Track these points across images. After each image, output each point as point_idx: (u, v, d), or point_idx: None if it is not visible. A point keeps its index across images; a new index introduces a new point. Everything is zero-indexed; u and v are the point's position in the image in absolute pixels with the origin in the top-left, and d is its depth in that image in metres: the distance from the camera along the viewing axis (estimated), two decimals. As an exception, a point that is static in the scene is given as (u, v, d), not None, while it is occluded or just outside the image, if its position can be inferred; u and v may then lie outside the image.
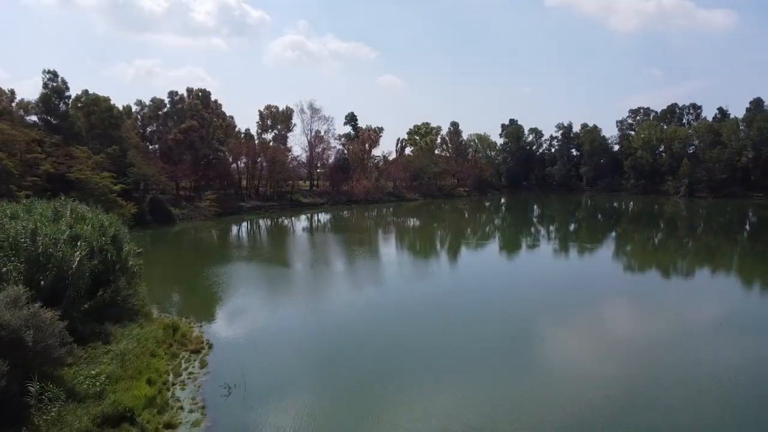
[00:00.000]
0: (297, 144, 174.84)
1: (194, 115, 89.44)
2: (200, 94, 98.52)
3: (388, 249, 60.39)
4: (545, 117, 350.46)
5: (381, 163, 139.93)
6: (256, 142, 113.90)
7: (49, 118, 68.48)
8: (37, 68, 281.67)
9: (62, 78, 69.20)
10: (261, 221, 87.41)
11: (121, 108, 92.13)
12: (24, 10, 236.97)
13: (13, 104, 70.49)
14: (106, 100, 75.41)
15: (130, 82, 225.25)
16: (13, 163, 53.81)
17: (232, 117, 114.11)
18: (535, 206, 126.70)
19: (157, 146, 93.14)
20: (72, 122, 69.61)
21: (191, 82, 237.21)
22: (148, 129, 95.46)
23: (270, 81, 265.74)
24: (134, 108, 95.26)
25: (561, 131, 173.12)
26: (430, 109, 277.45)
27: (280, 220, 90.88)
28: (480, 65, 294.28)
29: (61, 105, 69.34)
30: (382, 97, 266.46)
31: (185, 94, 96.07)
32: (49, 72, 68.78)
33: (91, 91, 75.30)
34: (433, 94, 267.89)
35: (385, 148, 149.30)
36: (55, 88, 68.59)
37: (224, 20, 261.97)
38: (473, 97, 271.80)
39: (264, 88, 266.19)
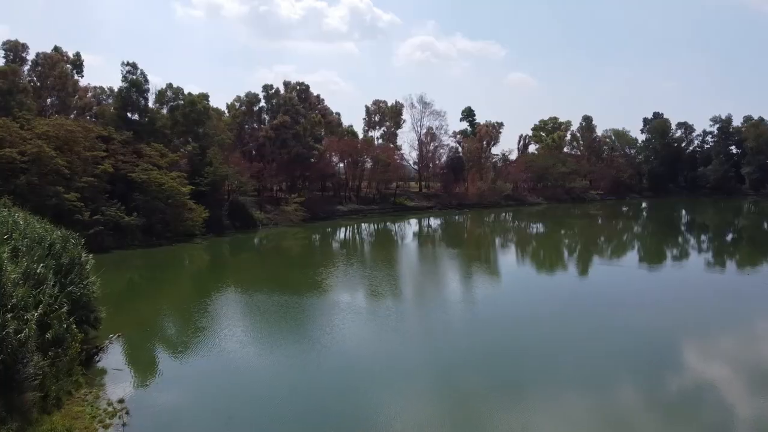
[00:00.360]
0: (406, 142, 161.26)
1: (288, 110, 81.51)
2: (298, 87, 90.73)
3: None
4: (694, 111, 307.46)
5: (500, 163, 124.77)
6: (360, 139, 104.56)
7: (127, 113, 63.45)
8: (187, 77, 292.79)
9: (142, 71, 64.01)
10: (359, 227, 77.36)
11: (225, 105, 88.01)
12: (178, 22, 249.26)
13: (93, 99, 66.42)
14: (195, 96, 68.76)
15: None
16: (69, 162, 47.95)
17: (338, 114, 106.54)
18: (684, 211, 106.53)
19: (253, 144, 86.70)
20: (153, 117, 64.05)
21: (324, 86, 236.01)
22: (246, 126, 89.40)
23: (399, 83, 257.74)
24: (237, 105, 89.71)
25: (717, 125, 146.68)
26: (560, 104, 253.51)
27: (379, 225, 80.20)
28: (616, 57, 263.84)
29: (140, 99, 64.03)
30: (506, 94, 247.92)
31: (281, 88, 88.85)
32: (128, 64, 63.72)
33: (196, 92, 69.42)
34: (564, 88, 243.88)
35: (505, 146, 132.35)
36: (134, 81, 63.24)
37: (356, 24, 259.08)
38: (608, 90, 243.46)
39: (393, 91, 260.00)
